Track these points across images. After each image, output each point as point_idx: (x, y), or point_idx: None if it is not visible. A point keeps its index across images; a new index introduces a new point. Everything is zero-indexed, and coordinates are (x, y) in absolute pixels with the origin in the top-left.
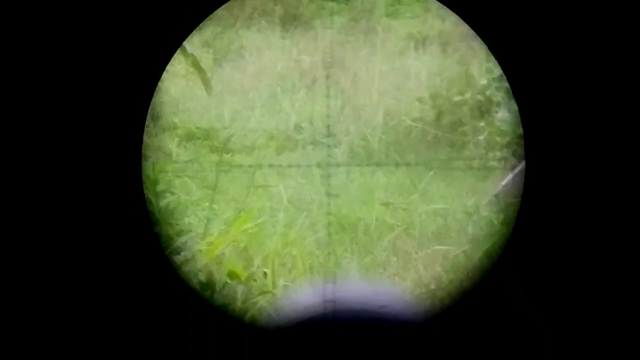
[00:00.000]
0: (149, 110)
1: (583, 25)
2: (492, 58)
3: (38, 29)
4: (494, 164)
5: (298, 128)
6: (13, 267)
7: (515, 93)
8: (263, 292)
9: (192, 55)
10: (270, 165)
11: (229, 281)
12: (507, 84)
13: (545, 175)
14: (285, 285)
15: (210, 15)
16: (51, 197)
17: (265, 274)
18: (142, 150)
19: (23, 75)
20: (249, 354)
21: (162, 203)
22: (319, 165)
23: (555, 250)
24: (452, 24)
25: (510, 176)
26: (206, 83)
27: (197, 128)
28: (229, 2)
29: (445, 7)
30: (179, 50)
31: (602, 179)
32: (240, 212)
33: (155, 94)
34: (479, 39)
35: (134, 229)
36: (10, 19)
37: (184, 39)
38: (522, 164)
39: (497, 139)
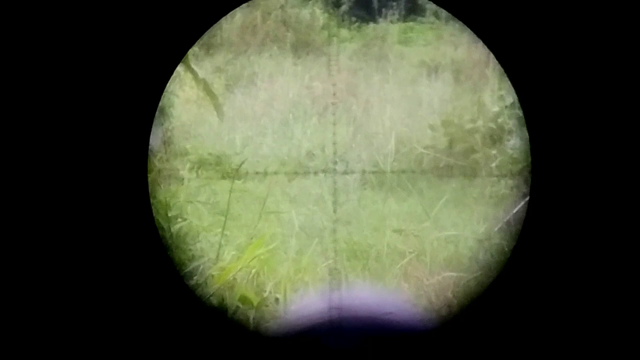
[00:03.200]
0: (158, 134)
1: (599, 54)
2: (506, 85)
3: (38, 49)
4: (506, 191)
5: (310, 155)
6: (22, 292)
7: (527, 120)
8: (275, 318)
9: (203, 80)
10: (282, 192)
11: (240, 306)
12: (519, 112)
13: (552, 203)
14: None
15: (222, 41)
16: (64, 223)
17: (277, 299)
18: (152, 175)
19: (25, 98)
20: None
21: (174, 228)
22: (330, 192)
23: (558, 275)
24: (464, 51)
25: (522, 204)
26: (218, 108)
27: (209, 154)
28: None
29: (461, 32)
30: (190, 75)
31: (609, 206)
32: (252, 238)
33: (160, 115)
34: (498, 64)
35: (146, 254)
36: (6, 47)
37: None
38: None
39: (509, 166)
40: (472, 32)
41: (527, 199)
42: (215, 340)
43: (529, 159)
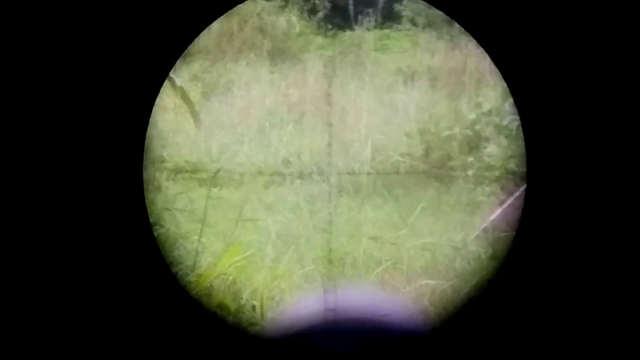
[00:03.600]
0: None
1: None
2: (483, 92)
3: (31, 57)
4: (483, 199)
5: (286, 162)
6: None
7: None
8: (252, 324)
9: (181, 88)
10: (258, 199)
11: (218, 313)
12: (496, 119)
13: (542, 209)
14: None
15: (199, 48)
16: (57, 227)
17: (254, 306)
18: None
19: (16, 106)
20: None
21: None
22: (306, 200)
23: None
24: (441, 58)
25: (498, 211)
26: (195, 116)
27: (186, 162)
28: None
29: (437, 39)
30: (167, 83)
31: (604, 213)
32: (228, 246)
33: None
34: (475, 71)
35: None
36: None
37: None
38: (511, 199)
39: (486, 173)
40: (450, 39)
41: (505, 206)
42: (210, 341)
43: (506, 166)
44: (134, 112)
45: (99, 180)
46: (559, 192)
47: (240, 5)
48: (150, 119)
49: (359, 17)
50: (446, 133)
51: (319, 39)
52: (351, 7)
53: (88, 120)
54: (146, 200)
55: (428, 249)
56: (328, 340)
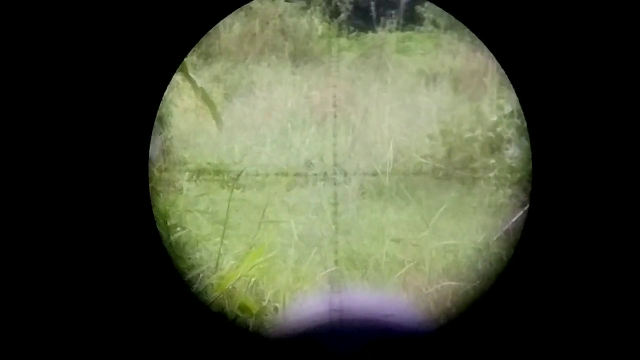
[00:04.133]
0: (157, 143)
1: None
2: (505, 94)
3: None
4: (505, 201)
5: (309, 164)
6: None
7: (530, 128)
8: (274, 327)
9: (202, 89)
10: (281, 201)
11: (240, 315)
12: (518, 121)
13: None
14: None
15: (221, 50)
16: (63, 230)
17: (276, 309)
18: (151, 184)
19: (24, 107)
20: None
21: (174, 238)
22: (329, 202)
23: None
24: (463, 60)
25: (520, 213)
26: (217, 118)
27: (208, 163)
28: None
29: (459, 41)
30: (189, 84)
31: (610, 215)
32: (251, 248)
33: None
34: (497, 73)
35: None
36: (6, 55)
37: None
38: None
39: (508, 176)
40: (472, 40)
41: (527, 207)
42: (216, 345)
43: (528, 168)
44: (142, 110)
45: (103, 179)
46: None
47: (260, 6)
48: (165, 120)
49: (382, 19)
50: (468, 135)
51: (342, 41)
52: (373, 9)
53: (95, 119)
54: (168, 202)
55: (450, 250)
56: (332, 341)
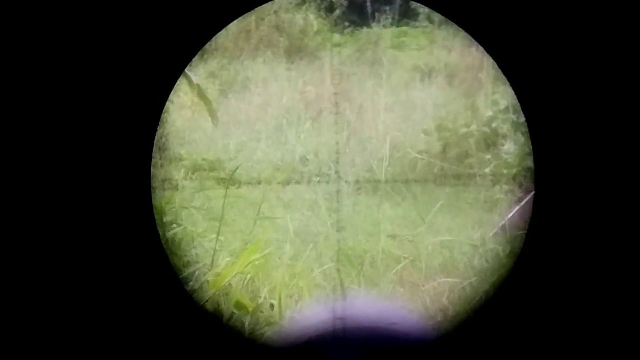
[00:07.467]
0: (155, 140)
1: (600, 56)
2: (500, 89)
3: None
4: (501, 196)
5: (304, 160)
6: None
7: (529, 123)
8: (270, 324)
9: (197, 85)
10: (276, 198)
11: (236, 312)
12: (513, 116)
13: (553, 208)
14: (293, 317)
15: (216, 46)
16: (63, 229)
17: (272, 305)
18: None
19: (25, 108)
20: None
21: (169, 234)
22: (325, 198)
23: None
24: (458, 55)
25: (516, 209)
26: (212, 114)
27: (204, 160)
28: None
29: (454, 36)
30: (184, 81)
31: (612, 212)
32: (247, 244)
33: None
34: (492, 69)
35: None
36: (9, 60)
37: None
38: (529, 197)
39: (504, 171)
40: (467, 35)
41: (523, 203)
42: (214, 347)
43: (524, 164)
44: (148, 111)
45: (107, 178)
46: (569, 192)
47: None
48: (162, 117)
49: (376, 14)
50: (464, 130)
51: (336, 37)
52: (368, 4)
53: (101, 119)
54: (163, 199)
55: (447, 246)
56: (336, 349)
